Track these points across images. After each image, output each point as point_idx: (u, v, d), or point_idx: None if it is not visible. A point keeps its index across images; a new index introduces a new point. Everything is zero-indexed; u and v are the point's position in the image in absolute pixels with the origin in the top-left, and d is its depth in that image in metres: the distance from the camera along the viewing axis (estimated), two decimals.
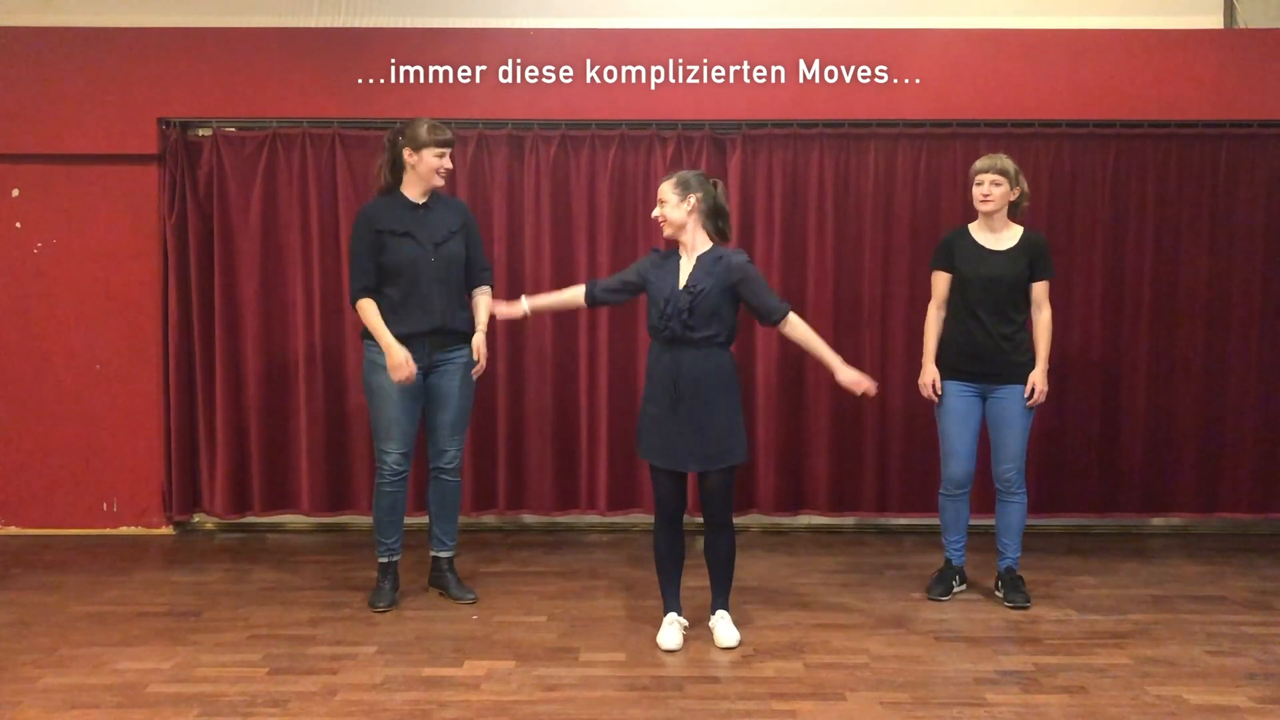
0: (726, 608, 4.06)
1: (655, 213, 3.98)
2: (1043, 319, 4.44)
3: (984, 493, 4.85)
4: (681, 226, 3.92)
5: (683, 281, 3.90)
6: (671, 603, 4.04)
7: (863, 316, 5.45)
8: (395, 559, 4.46)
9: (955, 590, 4.55)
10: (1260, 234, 5.44)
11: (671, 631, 3.97)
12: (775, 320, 3.95)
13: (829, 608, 4.42)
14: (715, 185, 3.97)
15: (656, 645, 3.94)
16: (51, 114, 5.28)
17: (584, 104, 5.32)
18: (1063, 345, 5.44)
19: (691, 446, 3.88)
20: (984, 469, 4.59)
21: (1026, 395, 4.37)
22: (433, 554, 4.57)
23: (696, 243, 3.95)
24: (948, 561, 4.57)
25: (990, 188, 4.34)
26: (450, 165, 4.34)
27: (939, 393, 4.45)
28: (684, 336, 3.86)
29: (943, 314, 4.52)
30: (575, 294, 4.16)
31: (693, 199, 3.91)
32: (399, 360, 4.21)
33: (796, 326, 3.96)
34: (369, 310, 4.27)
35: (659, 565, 4.05)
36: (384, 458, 4.35)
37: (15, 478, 5.48)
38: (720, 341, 3.91)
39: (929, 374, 4.47)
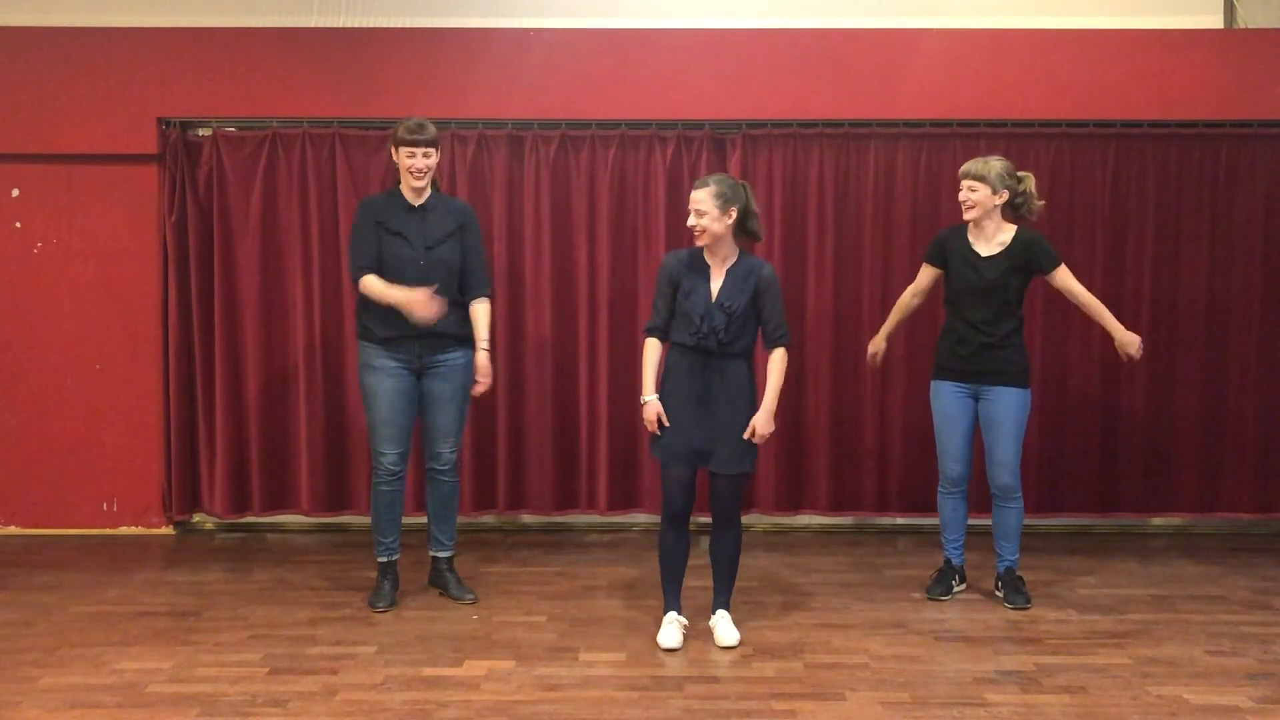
0: (727, 607, 4.06)
1: (691, 222, 3.87)
2: (1080, 295, 4.40)
3: (983, 492, 4.84)
4: (718, 238, 3.90)
5: (714, 295, 3.90)
6: (672, 602, 4.04)
7: (863, 316, 5.45)
8: (395, 558, 4.46)
9: (955, 590, 4.55)
10: (1260, 234, 5.44)
11: (671, 630, 3.97)
12: (769, 344, 3.99)
13: (829, 608, 4.42)
14: (746, 190, 3.94)
15: (656, 645, 3.94)
16: (51, 114, 5.28)
17: (584, 104, 5.32)
18: (1063, 345, 5.45)
19: (713, 447, 3.91)
20: (982, 469, 4.58)
21: (1136, 353, 4.40)
22: (432, 554, 4.57)
23: (728, 253, 3.94)
24: (947, 561, 4.57)
25: (966, 193, 4.32)
26: (421, 165, 4.25)
27: (878, 364, 4.75)
28: (716, 350, 3.88)
29: (916, 302, 4.62)
30: (656, 349, 4.00)
31: (733, 212, 3.88)
32: (419, 297, 4.16)
33: (776, 359, 3.98)
34: (373, 282, 4.25)
35: (663, 563, 4.04)
36: (380, 459, 4.35)
37: (15, 478, 5.48)
38: (748, 352, 3.96)
39: (875, 344, 4.72)
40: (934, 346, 4.58)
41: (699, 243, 3.93)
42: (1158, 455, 5.51)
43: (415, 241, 4.28)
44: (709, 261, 3.95)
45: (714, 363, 3.90)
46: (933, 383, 4.51)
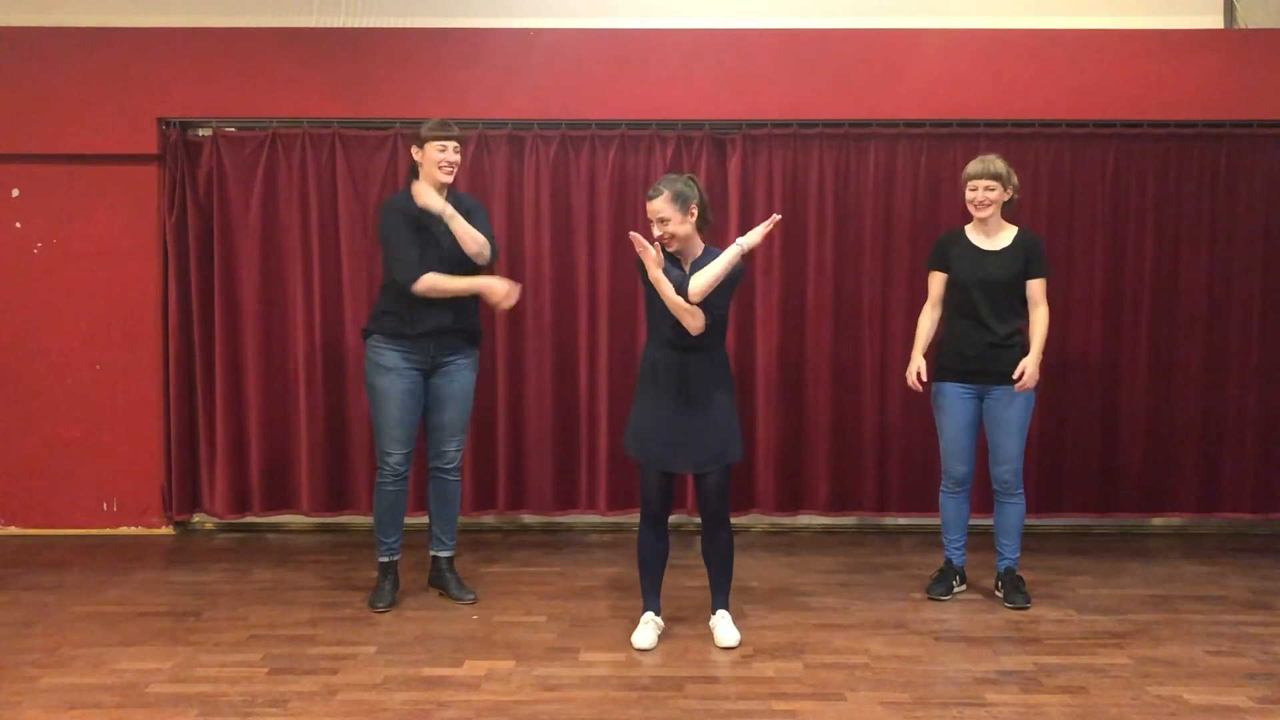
0: (727, 607, 4.06)
1: (657, 233, 3.82)
2: (1039, 315, 4.41)
3: (985, 492, 4.84)
4: (688, 238, 3.88)
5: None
6: (651, 602, 4.05)
7: (863, 316, 5.45)
8: (395, 559, 4.46)
9: (955, 590, 4.55)
10: (1260, 234, 5.44)
11: (646, 631, 3.97)
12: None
13: (829, 608, 4.42)
14: (695, 181, 3.90)
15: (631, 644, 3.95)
16: (51, 114, 5.28)
17: (584, 104, 5.32)
18: (1062, 345, 5.44)
19: (695, 447, 3.89)
20: (984, 469, 4.59)
21: (1015, 376, 4.32)
22: (432, 554, 4.57)
23: (694, 249, 3.92)
24: (948, 561, 4.57)
25: (984, 193, 4.34)
26: (452, 159, 4.28)
27: (924, 380, 4.49)
28: (695, 345, 3.87)
29: (937, 313, 4.56)
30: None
31: (694, 209, 3.85)
32: (495, 283, 4.28)
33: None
34: (437, 279, 4.23)
35: (642, 564, 4.04)
36: (386, 459, 4.36)
37: (15, 478, 5.48)
38: (722, 341, 3.96)
39: (915, 364, 4.51)
40: (934, 348, 4.57)
41: (670, 249, 3.87)
42: (1158, 455, 5.51)
43: (442, 238, 4.29)
44: (679, 260, 3.92)
45: (692, 360, 3.88)
46: (935, 385, 4.51)
